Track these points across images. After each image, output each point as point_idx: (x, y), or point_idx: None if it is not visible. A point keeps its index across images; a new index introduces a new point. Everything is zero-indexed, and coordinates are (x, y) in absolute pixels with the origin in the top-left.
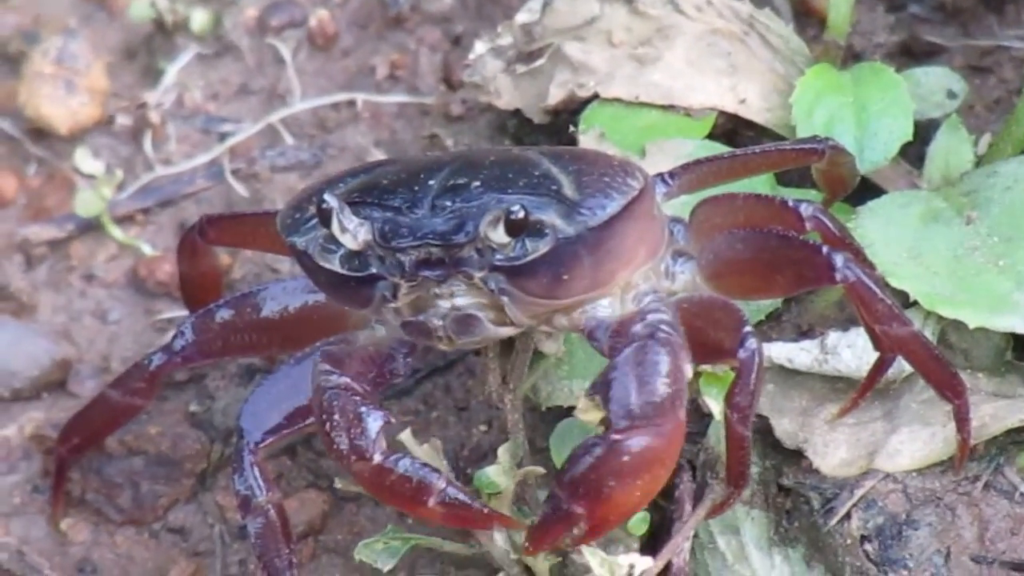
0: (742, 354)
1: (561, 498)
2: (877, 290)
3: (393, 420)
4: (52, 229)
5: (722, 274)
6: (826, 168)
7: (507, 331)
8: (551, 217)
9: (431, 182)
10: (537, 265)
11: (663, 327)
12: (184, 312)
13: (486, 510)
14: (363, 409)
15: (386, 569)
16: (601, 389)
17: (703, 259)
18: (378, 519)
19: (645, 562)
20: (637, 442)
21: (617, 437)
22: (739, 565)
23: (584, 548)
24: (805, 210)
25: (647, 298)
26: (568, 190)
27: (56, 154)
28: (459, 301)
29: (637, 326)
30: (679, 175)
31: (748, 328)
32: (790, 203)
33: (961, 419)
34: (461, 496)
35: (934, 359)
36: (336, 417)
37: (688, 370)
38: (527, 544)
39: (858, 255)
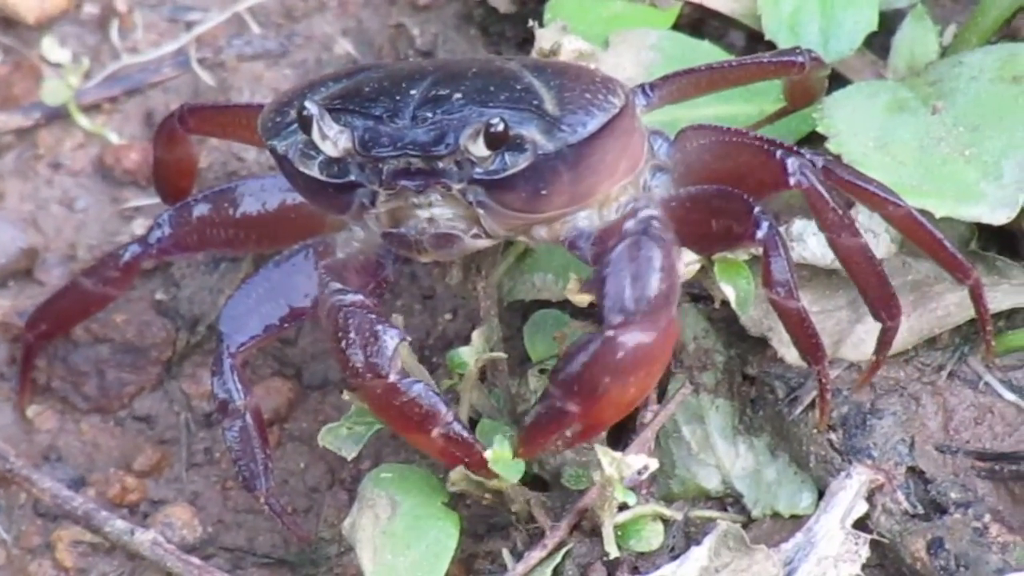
0: (760, 235)
1: (555, 396)
2: (829, 198)
3: (409, 338)
4: (19, 117)
5: (693, 185)
6: (800, 78)
7: (484, 243)
8: (531, 132)
9: (413, 91)
10: (516, 180)
11: (654, 223)
12: (152, 200)
13: (485, 453)
14: (379, 327)
15: (350, 457)
16: (595, 286)
17: (676, 172)
18: (343, 408)
19: (653, 463)
20: (632, 337)
21: (611, 333)
22: (704, 454)
23: (597, 447)
24: (792, 165)
25: (628, 207)
26: (549, 105)
27: (23, 42)
28: (437, 212)
29: (629, 223)
30: (659, 87)
31: (758, 208)
32: (777, 155)
33: (885, 342)
34: (465, 434)
35: (876, 275)
36: (352, 335)
37: (680, 267)
38: (520, 447)
39: (874, 199)
